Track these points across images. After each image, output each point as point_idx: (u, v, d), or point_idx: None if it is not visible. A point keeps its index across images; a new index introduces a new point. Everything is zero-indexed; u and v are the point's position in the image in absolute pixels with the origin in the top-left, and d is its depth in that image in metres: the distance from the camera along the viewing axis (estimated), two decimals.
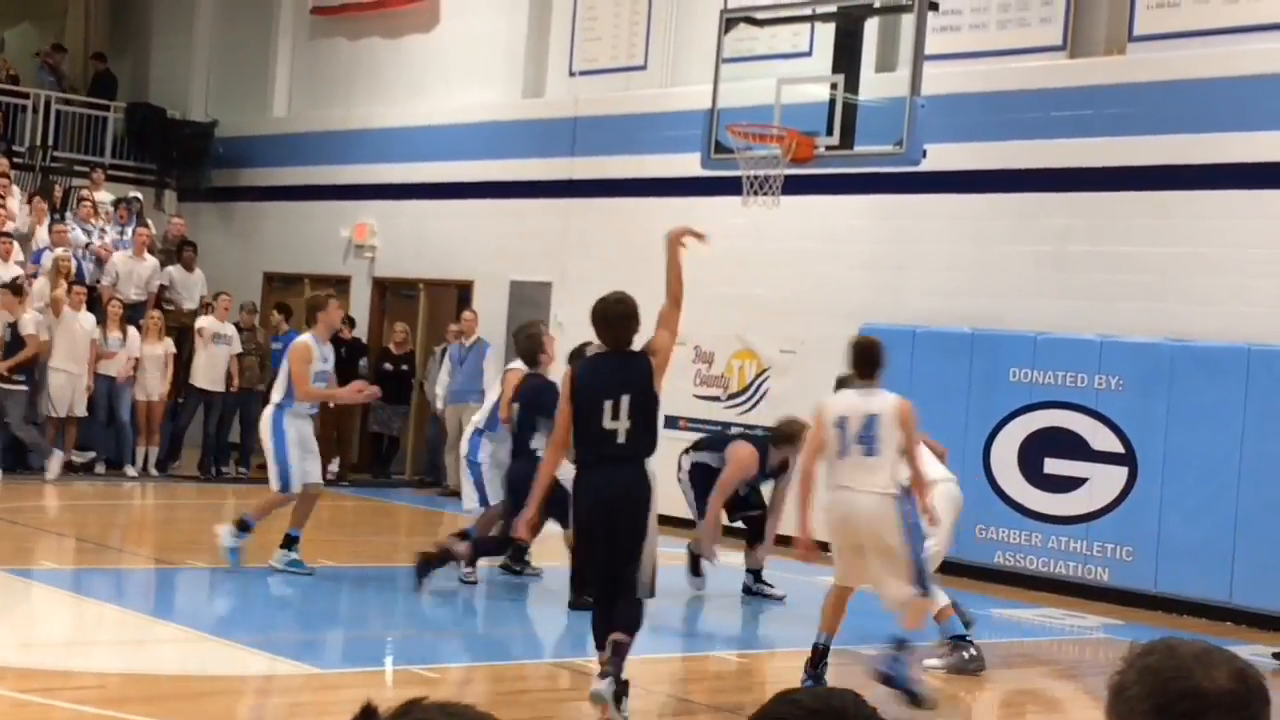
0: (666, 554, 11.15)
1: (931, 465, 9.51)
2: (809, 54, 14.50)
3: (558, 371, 10.55)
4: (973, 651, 9.73)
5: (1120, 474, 12.89)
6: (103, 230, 18.85)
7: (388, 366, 18.57)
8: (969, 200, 14.31)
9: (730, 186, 13.08)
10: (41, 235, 18.18)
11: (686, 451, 12.08)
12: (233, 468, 18.06)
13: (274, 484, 11.35)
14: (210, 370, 17.50)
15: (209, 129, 22.26)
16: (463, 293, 18.70)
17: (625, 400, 7.47)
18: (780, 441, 11.57)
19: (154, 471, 17.36)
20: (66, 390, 16.66)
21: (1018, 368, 13.49)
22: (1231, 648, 2.21)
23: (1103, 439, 13.00)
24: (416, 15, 19.92)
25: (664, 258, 7.93)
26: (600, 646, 7.60)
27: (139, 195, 20.45)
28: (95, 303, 17.54)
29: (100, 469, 17.20)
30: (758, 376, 15.52)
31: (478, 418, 11.99)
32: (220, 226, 21.93)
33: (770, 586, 11.85)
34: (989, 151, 14.19)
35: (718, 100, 12.92)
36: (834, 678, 8.68)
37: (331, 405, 15.04)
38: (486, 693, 8.44)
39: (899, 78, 12.40)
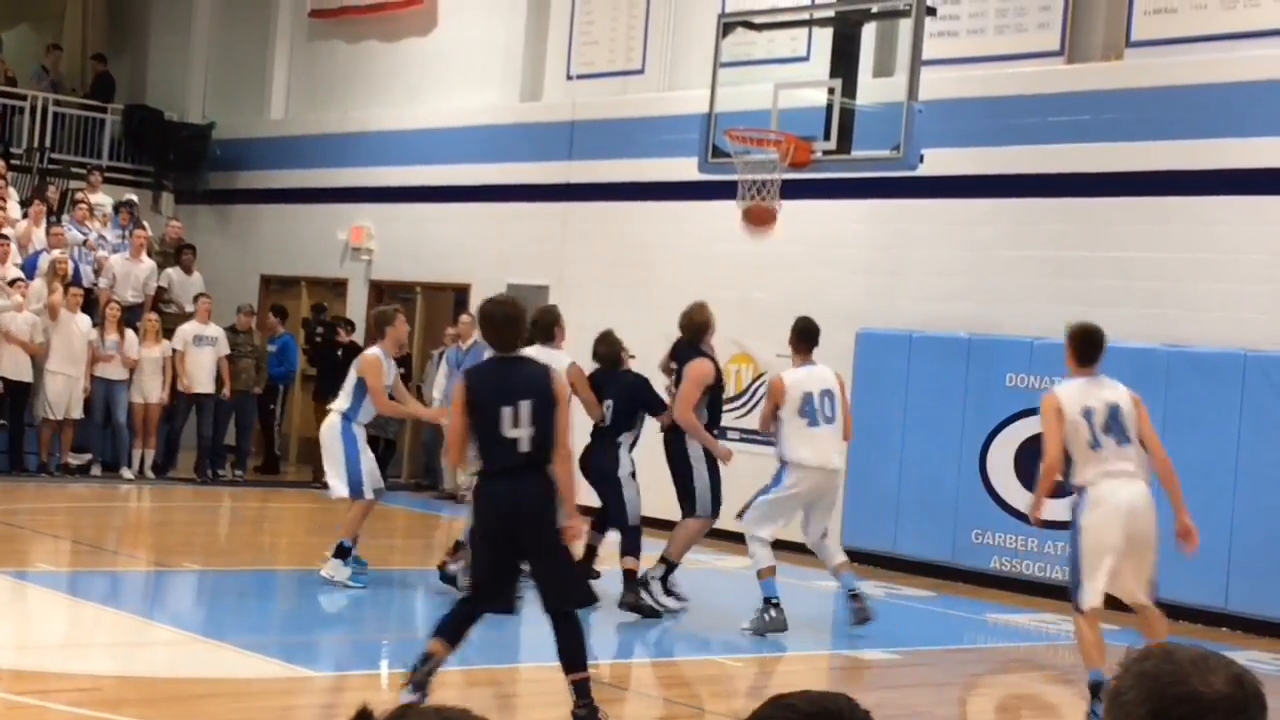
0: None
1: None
2: (807, 58, 14.50)
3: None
4: (773, 614, 10.37)
5: None
6: (102, 237, 18.84)
7: None
8: (966, 205, 14.32)
9: (727, 191, 13.08)
10: (38, 238, 18.17)
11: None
12: (229, 470, 18.06)
13: (342, 492, 11.34)
14: (197, 372, 17.50)
15: (206, 131, 22.26)
16: (459, 296, 18.70)
17: (525, 406, 7.20)
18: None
19: (150, 474, 17.35)
20: (64, 393, 16.66)
21: (1014, 373, 13.49)
22: (1228, 654, 2.21)
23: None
24: (414, 18, 19.92)
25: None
26: (439, 640, 7.32)
27: (134, 198, 20.44)
28: (92, 305, 17.53)
29: (96, 471, 17.19)
30: (755, 380, 15.52)
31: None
32: (217, 229, 21.93)
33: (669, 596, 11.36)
34: (986, 157, 14.20)
35: (715, 104, 12.92)
36: (830, 683, 8.68)
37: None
38: (481, 696, 8.44)
39: (897, 83, 12.40)
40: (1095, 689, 8.18)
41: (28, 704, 7.31)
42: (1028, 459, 13.43)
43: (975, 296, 14.11)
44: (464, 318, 17.36)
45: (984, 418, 13.64)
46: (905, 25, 12.44)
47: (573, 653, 7.32)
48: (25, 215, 18.65)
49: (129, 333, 17.26)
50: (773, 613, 10.47)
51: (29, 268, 17.54)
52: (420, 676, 7.12)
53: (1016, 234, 14.00)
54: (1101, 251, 13.45)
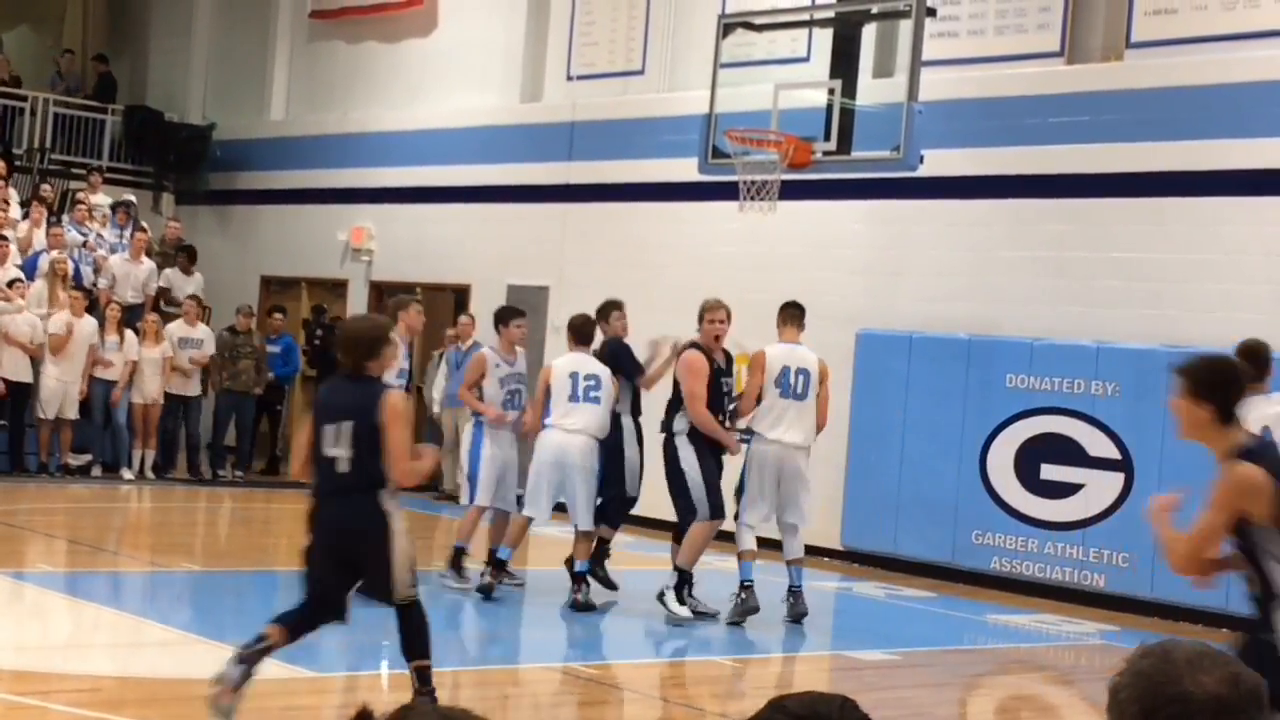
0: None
1: None
2: (807, 59, 14.50)
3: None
4: (744, 596, 10.73)
5: (1117, 480, 12.89)
6: (100, 236, 18.85)
7: None
8: (966, 206, 14.32)
9: (727, 191, 13.08)
10: (38, 239, 18.17)
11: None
12: (229, 471, 18.06)
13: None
14: (183, 374, 17.54)
15: (207, 132, 22.26)
16: (460, 297, 18.70)
17: (347, 427, 7.00)
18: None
19: (150, 475, 17.35)
20: (58, 393, 16.65)
21: (1014, 374, 13.49)
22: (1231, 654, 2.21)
23: (1099, 445, 13.01)
24: (414, 19, 19.92)
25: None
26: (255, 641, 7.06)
27: (132, 198, 20.44)
28: (93, 306, 17.53)
29: (97, 472, 17.19)
30: None
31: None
32: (217, 229, 21.93)
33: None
34: (986, 157, 14.20)
35: (715, 105, 12.92)
36: (830, 683, 8.69)
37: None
38: (481, 697, 8.44)
39: (897, 83, 12.41)
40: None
41: (28, 704, 7.31)
42: (1028, 460, 13.45)
43: (975, 297, 14.11)
44: (463, 319, 17.36)
45: (984, 418, 13.64)
46: (905, 26, 12.44)
47: (410, 641, 7.28)
48: (25, 216, 18.65)
49: (128, 333, 17.26)
50: (743, 595, 10.67)
51: (28, 268, 17.54)
52: (248, 654, 6.99)
53: (1016, 235, 14.00)
54: (1101, 252, 13.45)
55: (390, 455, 7.00)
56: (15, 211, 18.72)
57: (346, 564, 7.16)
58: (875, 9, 12.88)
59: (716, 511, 10.76)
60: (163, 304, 18.51)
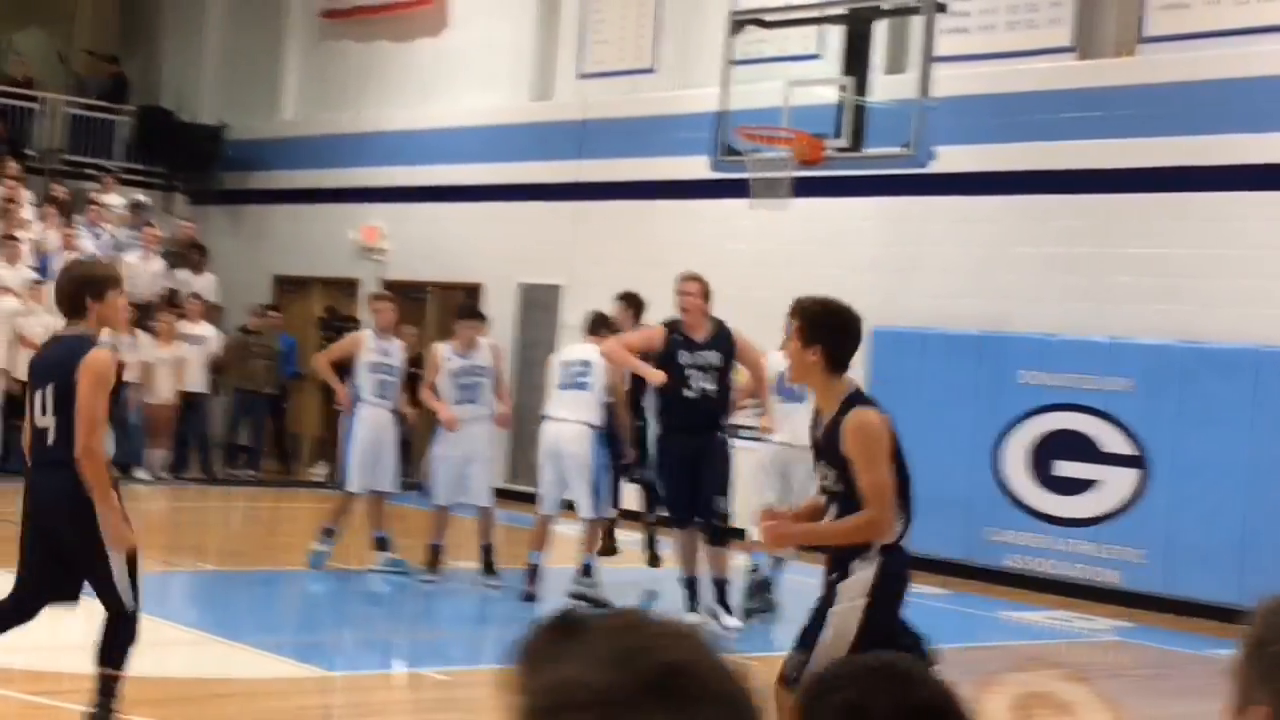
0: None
1: None
2: (818, 56, 14.49)
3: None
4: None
5: (1131, 476, 12.86)
6: (112, 236, 18.87)
7: None
8: (978, 202, 14.29)
9: (739, 189, 13.07)
10: (52, 240, 18.21)
11: None
12: (242, 469, 18.09)
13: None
14: (188, 373, 17.58)
15: (218, 132, 22.28)
16: (472, 295, 18.68)
17: (49, 391, 6.11)
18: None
19: (165, 474, 17.38)
20: None
21: (1027, 370, 13.47)
22: None
23: (1113, 441, 12.98)
24: (425, 18, 19.93)
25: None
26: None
27: (143, 198, 20.46)
28: None
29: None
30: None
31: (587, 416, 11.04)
32: (230, 229, 21.95)
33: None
34: (998, 153, 14.17)
35: (726, 103, 12.92)
36: None
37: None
38: (483, 696, 8.42)
39: (908, 80, 12.40)
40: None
41: (42, 704, 7.34)
42: (1041, 456, 13.42)
43: (988, 293, 14.09)
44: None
45: (997, 415, 13.62)
46: (917, 22, 12.44)
47: (105, 647, 6.34)
48: (39, 216, 18.69)
49: (140, 333, 17.29)
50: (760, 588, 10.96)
51: (42, 270, 17.58)
52: None
53: (1029, 231, 13.97)
54: (1114, 248, 13.41)
55: (77, 422, 6.04)
56: (28, 212, 18.76)
57: (49, 544, 6.25)
58: (887, 5, 12.87)
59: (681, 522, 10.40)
60: (180, 304, 18.54)
